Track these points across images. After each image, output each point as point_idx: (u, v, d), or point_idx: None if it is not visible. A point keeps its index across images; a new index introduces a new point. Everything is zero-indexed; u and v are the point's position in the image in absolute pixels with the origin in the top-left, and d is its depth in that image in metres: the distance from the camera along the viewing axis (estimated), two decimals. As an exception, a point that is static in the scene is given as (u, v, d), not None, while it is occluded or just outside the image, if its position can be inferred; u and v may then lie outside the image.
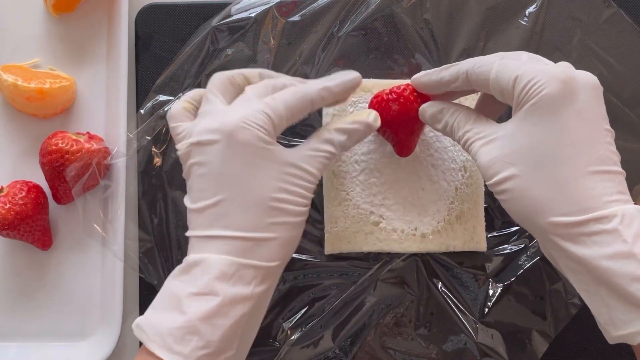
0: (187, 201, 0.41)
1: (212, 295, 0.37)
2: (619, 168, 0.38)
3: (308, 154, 0.41)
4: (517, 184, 0.38)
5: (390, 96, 0.45)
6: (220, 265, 0.38)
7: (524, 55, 0.40)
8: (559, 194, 0.37)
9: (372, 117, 0.43)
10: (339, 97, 0.44)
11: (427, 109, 0.44)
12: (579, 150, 0.37)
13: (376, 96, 0.46)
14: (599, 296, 0.37)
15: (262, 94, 0.42)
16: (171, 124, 0.43)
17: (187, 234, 0.41)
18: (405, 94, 0.45)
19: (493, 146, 0.39)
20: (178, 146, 0.42)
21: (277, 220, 0.40)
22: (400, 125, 0.45)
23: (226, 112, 0.41)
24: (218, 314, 0.37)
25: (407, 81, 0.48)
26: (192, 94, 0.45)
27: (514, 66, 0.39)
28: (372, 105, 0.46)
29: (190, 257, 0.39)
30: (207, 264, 0.38)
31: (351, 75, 0.44)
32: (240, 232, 0.39)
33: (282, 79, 0.44)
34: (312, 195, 0.41)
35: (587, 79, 0.38)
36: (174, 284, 0.39)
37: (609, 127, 0.39)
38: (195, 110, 0.44)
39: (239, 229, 0.39)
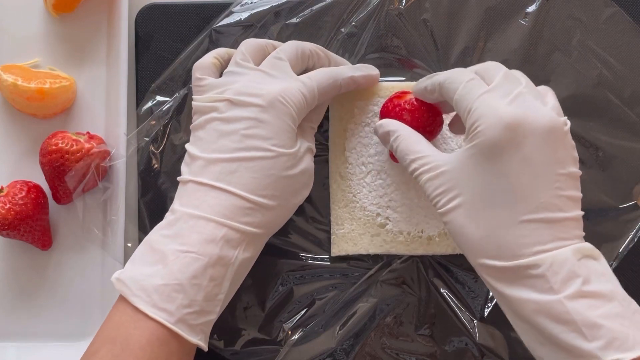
0: (194, 149, 0.42)
1: (199, 255, 0.38)
2: (566, 213, 0.37)
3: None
4: (456, 219, 0.38)
5: (407, 106, 0.45)
6: (211, 226, 0.39)
7: (500, 77, 0.39)
8: (491, 238, 0.37)
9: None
10: (360, 87, 0.48)
11: (377, 128, 0.45)
12: (518, 197, 0.37)
13: (397, 97, 0.46)
14: (530, 334, 0.37)
15: (293, 60, 0.44)
16: (197, 74, 0.44)
17: (187, 177, 0.41)
18: (422, 109, 0.45)
19: (438, 181, 0.39)
20: (200, 97, 0.43)
21: (279, 194, 0.41)
22: None
23: (265, 80, 0.42)
24: (204, 275, 0.38)
25: (410, 83, 0.48)
26: (220, 51, 0.46)
27: (472, 96, 0.38)
28: (388, 104, 0.46)
29: (181, 211, 0.40)
30: (196, 222, 0.39)
31: (375, 71, 0.48)
32: (244, 192, 0.40)
33: (309, 45, 0.46)
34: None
35: (542, 122, 0.37)
36: (158, 239, 0.39)
37: (566, 170, 0.37)
38: (220, 68, 0.45)
39: (243, 189, 0.40)
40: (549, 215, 0.36)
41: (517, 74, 0.40)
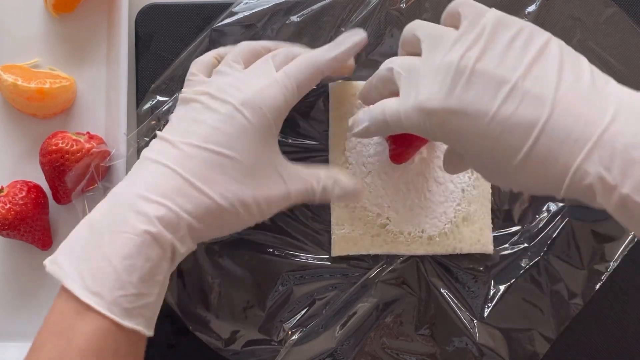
0: (161, 133, 0.41)
1: (133, 234, 0.37)
2: None
3: (300, 175, 0.43)
4: None
5: None
6: (150, 206, 0.37)
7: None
8: None
9: (360, 195, 0.46)
10: (346, 61, 0.46)
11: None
12: None
13: None
14: None
15: (283, 64, 0.43)
16: (192, 69, 0.45)
17: (145, 153, 0.41)
18: None
19: None
20: (186, 90, 0.43)
21: (232, 196, 0.39)
22: (398, 137, 0.46)
23: (247, 81, 0.42)
24: (139, 255, 0.36)
25: None
26: (221, 51, 0.46)
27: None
28: None
29: (122, 187, 0.39)
30: (136, 201, 0.38)
31: (357, 37, 0.45)
32: (193, 178, 0.39)
33: (296, 49, 0.45)
34: (269, 214, 0.42)
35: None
36: (97, 218, 0.38)
37: None
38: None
39: (193, 176, 0.39)
40: None
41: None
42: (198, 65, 0.45)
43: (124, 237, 0.37)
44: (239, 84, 0.41)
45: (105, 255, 0.36)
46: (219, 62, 0.46)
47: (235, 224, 0.42)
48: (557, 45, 0.35)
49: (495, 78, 0.33)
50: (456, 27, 0.37)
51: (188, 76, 0.45)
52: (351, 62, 0.48)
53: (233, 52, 0.44)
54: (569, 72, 0.33)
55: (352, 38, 0.45)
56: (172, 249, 0.38)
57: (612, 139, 0.31)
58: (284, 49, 0.45)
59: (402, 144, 0.47)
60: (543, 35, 0.35)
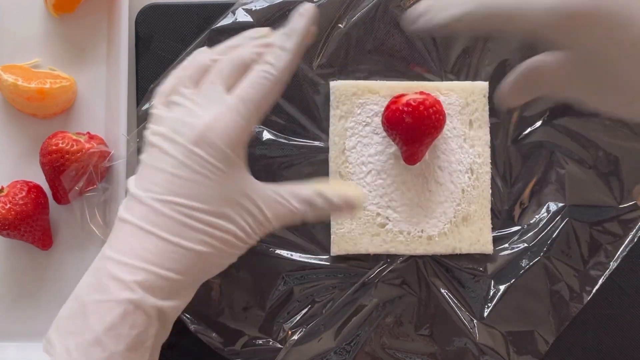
0: (132, 183, 0.39)
1: (117, 302, 0.35)
2: None
3: (276, 199, 0.39)
4: None
5: (405, 108, 0.45)
6: (130, 271, 0.36)
7: None
8: None
9: (358, 202, 0.41)
10: (304, 47, 0.40)
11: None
12: None
13: (393, 102, 0.46)
14: None
15: (230, 79, 0.39)
16: (155, 100, 0.41)
17: (120, 213, 0.38)
18: (420, 108, 0.45)
19: None
20: (147, 128, 0.40)
21: (210, 239, 0.37)
22: (410, 137, 0.46)
23: (195, 110, 0.38)
24: (123, 323, 0.35)
25: (416, 83, 0.49)
26: (179, 73, 0.41)
27: None
28: (387, 112, 0.46)
29: (106, 254, 0.37)
30: (116, 267, 0.36)
31: (306, 14, 0.40)
32: (168, 235, 0.37)
33: (249, 50, 0.40)
34: (253, 242, 0.39)
35: None
36: (83, 289, 0.37)
37: None
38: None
39: (168, 232, 0.37)
40: None
41: None
42: (159, 97, 0.41)
43: (106, 306, 0.35)
44: (189, 118, 0.38)
45: (90, 326, 0.35)
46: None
47: (226, 259, 0.39)
48: None
49: None
50: None
51: (150, 109, 0.41)
52: (311, 31, 0.42)
53: (180, 76, 0.40)
54: None
55: (301, 19, 0.40)
56: (157, 312, 0.36)
57: None
58: (228, 58, 0.40)
59: (413, 144, 0.46)
60: None
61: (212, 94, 0.39)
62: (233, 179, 0.38)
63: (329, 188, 0.40)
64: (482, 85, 0.51)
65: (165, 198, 0.37)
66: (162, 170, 0.38)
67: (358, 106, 0.50)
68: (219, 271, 0.40)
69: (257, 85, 0.39)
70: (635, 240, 0.50)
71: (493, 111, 0.51)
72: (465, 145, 0.50)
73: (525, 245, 0.50)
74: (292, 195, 0.40)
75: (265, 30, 0.42)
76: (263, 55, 0.40)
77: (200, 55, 0.42)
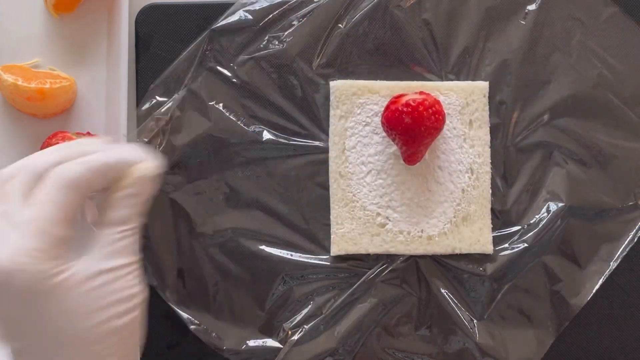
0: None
1: None
2: None
3: (110, 249, 0.37)
4: None
5: (404, 108, 0.45)
6: None
7: None
8: None
9: (149, 170, 0.38)
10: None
11: None
12: None
13: (393, 102, 0.46)
14: None
15: (25, 193, 0.35)
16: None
17: None
18: (419, 109, 0.45)
19: None
20: None
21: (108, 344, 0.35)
22: (410, 137, 0.46)
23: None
24: None
25: (416, 83, 0.49)
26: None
27: None
28: (386, 112, 0.46)
29: None
30: None
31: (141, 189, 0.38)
32: None
33: (49, 158, 0.37)
34: (138, 290, 0.37)
35: None
36: None
37: None
38: None
39: None
40: None
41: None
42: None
43: None
44: None
45: None
46: None
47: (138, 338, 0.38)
48: None
49: None
50: None
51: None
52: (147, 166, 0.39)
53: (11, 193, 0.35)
54: None
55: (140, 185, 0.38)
56: None
57: None
58: (24, 173, 0.36)
59: (413, 144, 0.46)
60: None
61: (13, 220, 0.34)
62: (66, 285, 0.34)
63: (124, 194, 0.38)
64: (482, 85, 0.51)
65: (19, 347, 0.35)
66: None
67: (358, 106, 0.50)
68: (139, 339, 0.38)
69: (51, 204, 0.35)
70: (635, 240, 0.50)
71: (493, 111, 0.51)
72: (465, 145, 0.50)
73: (525, 245, 0.50)
74: (119, 223, 0.37)
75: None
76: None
77: (32, 163, 0.37)
